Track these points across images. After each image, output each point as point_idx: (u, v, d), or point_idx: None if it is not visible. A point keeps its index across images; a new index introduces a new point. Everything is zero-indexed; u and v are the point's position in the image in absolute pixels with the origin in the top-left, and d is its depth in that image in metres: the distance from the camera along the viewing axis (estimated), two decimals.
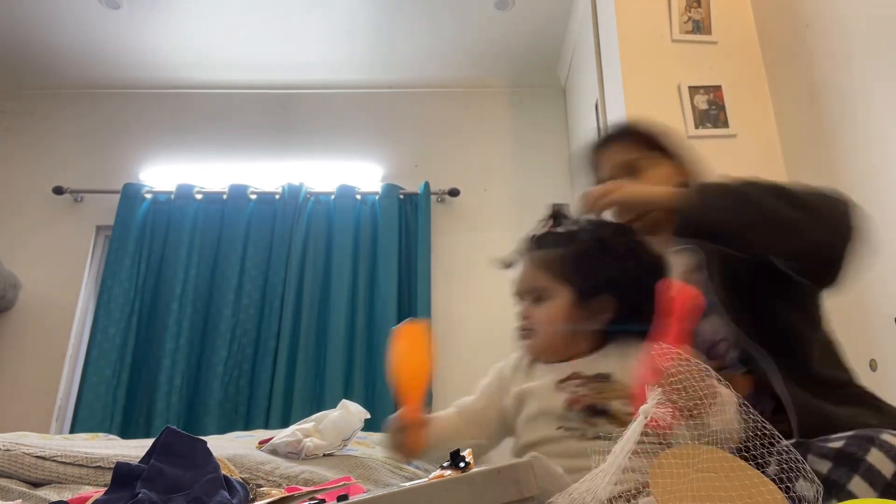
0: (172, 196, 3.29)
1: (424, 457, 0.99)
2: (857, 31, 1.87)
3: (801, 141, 2.15)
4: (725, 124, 2.23)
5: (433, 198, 3.36)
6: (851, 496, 0.76)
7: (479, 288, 3.18)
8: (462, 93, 3.65)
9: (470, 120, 3.60)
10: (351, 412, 1.57)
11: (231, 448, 1.37)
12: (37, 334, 3.13)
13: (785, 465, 0.66)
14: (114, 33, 3.24)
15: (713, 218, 0.99)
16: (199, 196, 3.30)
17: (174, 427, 1.04)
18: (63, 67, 3.47)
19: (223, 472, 1.02)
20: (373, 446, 1.78)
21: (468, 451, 0.74)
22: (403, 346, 0.96)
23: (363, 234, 3.23)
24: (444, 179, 3.40)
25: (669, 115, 2.23)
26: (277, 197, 3.31)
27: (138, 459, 1.03)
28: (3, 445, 1.15)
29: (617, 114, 2.39)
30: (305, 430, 1.48)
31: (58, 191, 3.33)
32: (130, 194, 3.26)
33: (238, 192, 3.29)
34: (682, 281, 0.98)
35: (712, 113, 2.25)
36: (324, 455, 1.46)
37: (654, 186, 1.09)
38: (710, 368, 0.77)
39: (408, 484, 0.73)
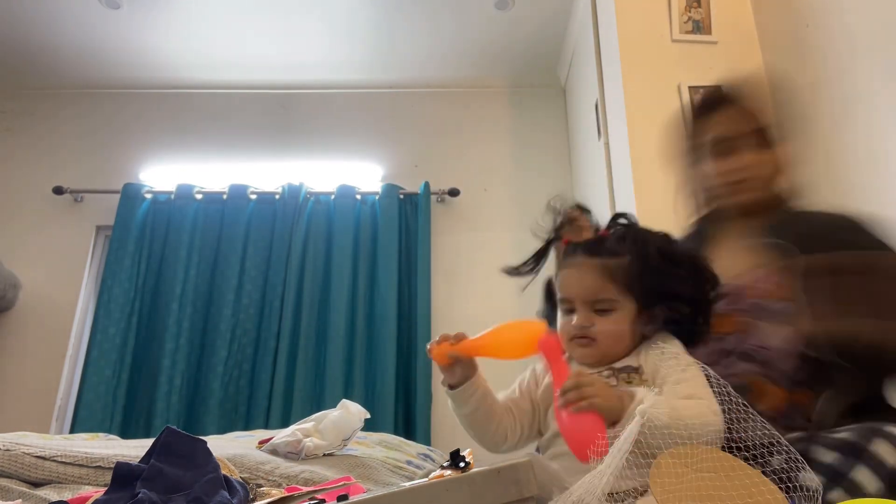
0: (172, 196, 3.29)
1: (468, 399, 0.97)
2: (857, 31, 1.87)
3: (801, 140, 2.14)
4: None
5: (433, 198, 3.36)
6: (855, 485, 0.76)
7: (479, 288, 3.18)
8: (462, 93, 3.65)
9: (470, 120, 3.60)
10: (351, 412, 1.57)
11: (231, 448, 1.37)
12: (37, 334, 3.13)
13: (786, 465, 0.66)
14: (114, 33, 3.24)
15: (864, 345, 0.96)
16: (199, 196, 3.30)
17: (174, 427, 1.04)
18: (63, 67, 3.47)
19: (223, 472, 1.02)
20: (373, 446, 1.78)
21: (468, 451, 0.74)
22: (515, 329, 0.98)
23: (363, 234, 3.23)
24: (444, 179, 3.40)
25: (669, 116, 2.23)
26: (277, 197, 3.31)
27: (138, 459, 1.03)
28: (3, 445, 1.15)
29: (617, 114, 2.39)
30: (305, 430, 1.48)
31: (58, 191, 3.33)
32: (130, 194, 3.26)
33: (238, 192, 3.29)
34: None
35: None
36: (324, 455, 1.46)
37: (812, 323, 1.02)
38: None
39: (408, 484, 0.73)
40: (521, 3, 3.11)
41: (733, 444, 0.74)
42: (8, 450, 1.14)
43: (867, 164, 1.81)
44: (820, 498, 0.66)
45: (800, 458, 0.66)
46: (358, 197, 3.33)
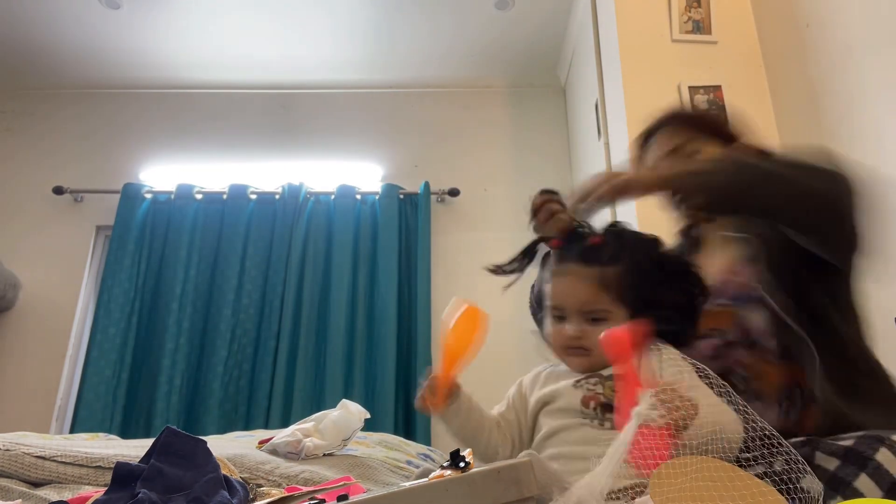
0: (172, 196, 3.29)
1: (452, 419, 0.96)
2: (856, 31, 1.87)
3: (800, 141, 2.14)
4: None
5: (433, 198, 3.36)
6: (857, 494, 0.76)
7: (479, 288, 3.17)
8: (462, 93, 3.65)
9: (470, 120, 3.60)
10: (351, 412, 1.57)
11: (231, 448, 1.37)
12: (37, 334, 3.13)
13: (788, 467, 0.66)
14: (114, 33, 3.24)
15: (743, 197, 1.02)
16: (199, 196, 3.30)
17: (174, 427, 1.04)
18: (63, 67, 3.47)
19: (223, 471, 1.02)
20: (373, 446, 1.78)
21: (468, 451, 0.74)
22: (459, 323, 0.96)
23: (363, 234, 3.23)
24: (444, 179, 3.40)
25: None
26: (277, 197, 3.31)
27: (138, 459, 1.03)
28: (3, 445, 1.15)
29: (617, 114, 2.39)
30: (305, 430, 1.48)
31: (58, 191, 3.33)
32: (130, 194, 3.26)
33: (238, 192, 3.29)
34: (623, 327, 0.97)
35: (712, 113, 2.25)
36: (324, 455, 1.46)
37: (649, 171, 1.10)
38: (706, 375, 0.78)
39: (408, 484, 0.73)
40: (521, 3, 3.11)
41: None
42: (8, 450, 1.14)
43: (867, 163, 1.81)
44: (820, 499, 0.65)
45: (802, 461, 0.66)
46: (358, 197, 3.33)
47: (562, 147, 3.51)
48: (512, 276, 1.12)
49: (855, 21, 1.87)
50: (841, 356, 1.03)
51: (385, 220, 3.25)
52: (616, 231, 1.02)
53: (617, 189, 1.05)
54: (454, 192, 3.38)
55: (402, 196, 3.33)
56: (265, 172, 3.42)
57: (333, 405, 1.64)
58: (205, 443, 1.04)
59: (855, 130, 1.86)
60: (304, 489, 1.11)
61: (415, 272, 3.16)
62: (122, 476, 0.94)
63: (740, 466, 0.68)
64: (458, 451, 0.72)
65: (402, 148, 3.54)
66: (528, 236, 1.12)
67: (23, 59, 3.41)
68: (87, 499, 0.93)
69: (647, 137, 1.33)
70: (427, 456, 1.97)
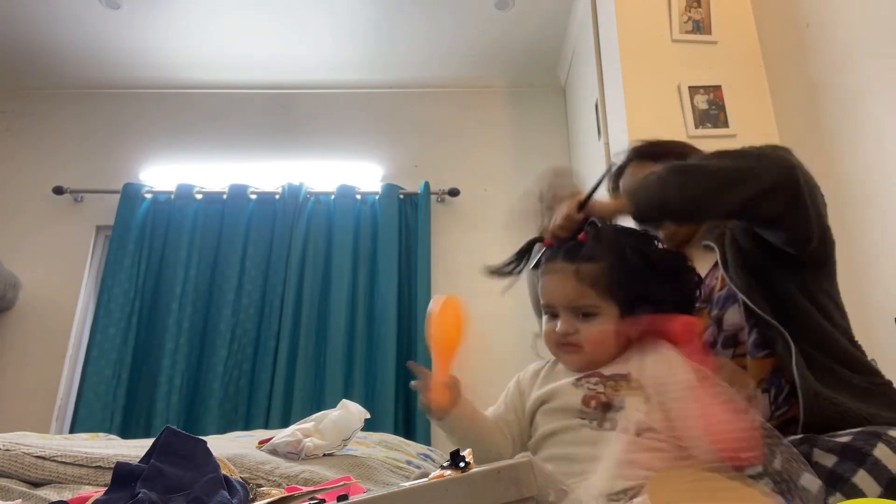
0: (172, 196, 3.29)
1: (454, 425, 0.96)
2: (856, 31, 1.87)
3: (800, 141, 2.14)
4: (725, 124, 2.23)
5: (433, 198, 3.36)
6: (856, 490, 0.76)
7: (479, 288, 3.17)
8: (462, 93, 3.65)
9: (470, 120, 3.60)
10: (351, 412, 1.57)
11: (231, 448, 1.37)
12: (37, 334, 3.13)
13: (787, 464, 0.66)
14: (114, 33, 3.24)
15: (670, 199, 1.02)
16: (199, 196, 3.30)
17: (174, 427, 1.04)
18: (63, 67, 3.47)
19: (223, 471, 1.02)
20: (373, 446, 1.78)
21: (468, 451, 0.74)
22: (441, 315, 0.99)
23: (363, 234, 3.23)
24: (444, 179, 3.40)
25: (669, 115, 2.23)
26: (277, 197, 3.31)
27: (138, 459, 1.03)
28: (3, 445, 1.15)
29: (617, 114, 2.39)
30: (305, 430, 1.48)
31: (58, 191, 3.33)
32: (130, 194, 3.26)
33: (238, 192, 3.29)
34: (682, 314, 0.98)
35: (712, 113, 2.25)
36: (324, 455, 1.46)
37: (603, 200, 1.10)
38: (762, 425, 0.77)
39: (408, 484, 0.73)
40: (521, 3, 3.10)
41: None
42: (8, 450, 1.14)
43: (867, 163, 1.81)
44: (822, 500, 0.65)
45: (801, 458, 0.66)
46: (358, 197, 3.33)
47: (562, 147, 3.51)
48: (510, 278, 1.12)
49: (855, 21, 1.87)
50: (818, 346, 1.04)
51: (385, 220, 3.25)
52: (602, 228, 1.02)
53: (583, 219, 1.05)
54: (454, 192, 3.38)
55: (402, 196, 3.33)
56: (265, 172, 3.42)
57: (333, 405, 1.64)
58: (205, 443, 1.04)
59: (855, 130, 1.86)
60: (304, 489, 1.11)
61: (415, 272, 3.16)
62: (122, 476, 0.94)
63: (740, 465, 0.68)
64: (458, 451, 0.72)
65: (402, 148, 3.54)
66: (529, 236, 1.12)
67: (23, 59, 3.41)
68: (87, 499, 0.93)
69: (618, 175, 1.39)
70: (427, 456, 1.97)
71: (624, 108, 2.27)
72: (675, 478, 0.64)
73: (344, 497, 0.74)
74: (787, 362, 1.01)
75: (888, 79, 1.72)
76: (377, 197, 3.32)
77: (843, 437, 0.82)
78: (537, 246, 1.08)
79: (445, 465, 0.68)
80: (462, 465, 0.67)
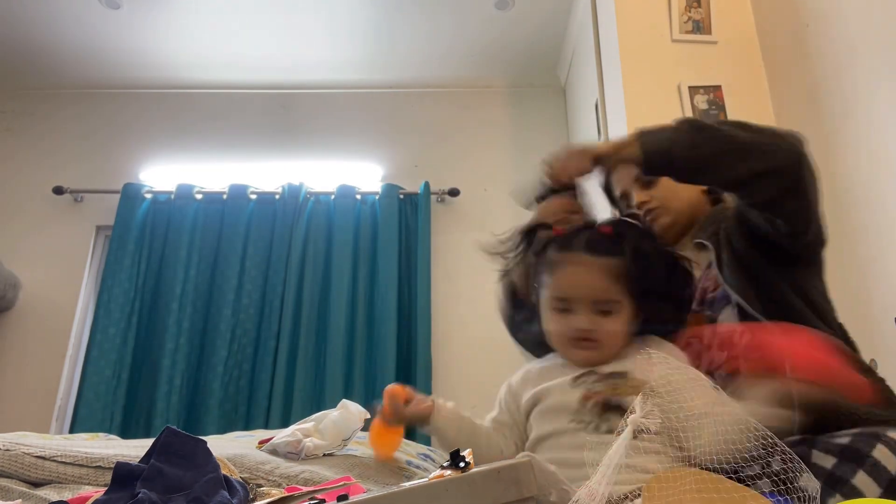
0: (172, 196, 3.29)
1: (445, 429, 0.98)
2: (857, 31, 1.87)
3: None
4: None
5: (433, 198, 3.36)
6: (855, 491, 0.76)
7: (479, 288, 3.18)
8: (462, 93, 3.65)
9: (470, 120, 3.60)
10: (351, 412, 1.57)
11: (231, 448, 1.37)
12: (37, 334, 3.13)
13: (785, 466, 0.66)
14: (114, 33, 3.24)
15: (678, 151, 1.02)
16: (199, 196, 3.30)
17: (174, 427, 1.04)
18: (63, 67, 3.47)
19: (223, 471, 1.02)
20: None
21: (468, 451, 0.74)
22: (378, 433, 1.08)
23: (363, 234, 3.23)
24: (444, 179, 3.40)
25: (669, 115, 2.21)
26: (277, 197, 3.31)
27: (138, 459, 1.03)
28: (3, 445, 1.15)
29: (617, 114, 2.39)
30: (305, 430, 1.48)
31: (58, 191, 3.33)
32: (130, 194, 3.26)
33: (238, 192, 3.29)
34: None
35: (712, 113, 2.25)
36: (324, 455, 1.46)
37: (609, 141, 1.11)
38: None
39: (408, 484, 0.73)
40: (521, 3, 3.11)
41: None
42: (8, 450, 1.14)
43: (867, 163, 1.81)
44: (818, 503, 0.65)
45: (798, 460, 0.66)
46: (358, 197, 3.33)
47: None
48: (507, 259, 1.11)
49: (855, 21, 1.87)
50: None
51: (385, 220, 3.25)
52: (625, 222, 1.02)
53: (590, 160, 1.07)
54: (454, 192, 3.39)
55: (402, 196, 3.33)
56: (265, 172, 3.42)
57: (333, 405, 1.64)
58: (205, 443, 1.04)
59: (855, 130, 1.86)
60: (304, 489, 1.11)
61: (415, 272, 3.16)
62: (122, 476, 0.94)
63: (739, 467, 0.68)
64: (458, 451, 0.72)
65: (402, 148, 3.54)
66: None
67: (23, 59, 3.41)
68: (87, 499, 0.93)
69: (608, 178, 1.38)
70: (427, 456, 1.97)
71: (624, 108, 2.27)
72: (674, 480, 0.64)
73: (344, 497, 0.74)
74: None
75: (888, 78, 1.72)
76: (377, 197, 3.32)
77: (842, 439, 0.82)
78: (543, 232, 1.06)
79: (445, 465, 0.68)
80: (462, 465, 0.67)
